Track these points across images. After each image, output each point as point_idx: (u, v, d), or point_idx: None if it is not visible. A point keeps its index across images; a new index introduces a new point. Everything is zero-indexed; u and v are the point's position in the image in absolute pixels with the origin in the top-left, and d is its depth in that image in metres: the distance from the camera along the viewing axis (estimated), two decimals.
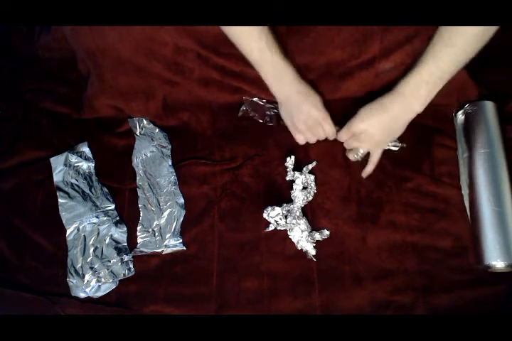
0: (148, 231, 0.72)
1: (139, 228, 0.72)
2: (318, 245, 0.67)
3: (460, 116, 0.74)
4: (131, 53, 0.73)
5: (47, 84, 0.85)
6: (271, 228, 0.68)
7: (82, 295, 0.68)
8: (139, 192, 0.75)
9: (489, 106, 0.72)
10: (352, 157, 0.70)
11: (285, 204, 0.69)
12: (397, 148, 0.72)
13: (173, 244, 0.70)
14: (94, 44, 0.72)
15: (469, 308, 0.62)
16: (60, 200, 0.74)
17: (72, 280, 0.68)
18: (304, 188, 0.70)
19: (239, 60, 0.70)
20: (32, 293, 0.67)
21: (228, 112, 0.79)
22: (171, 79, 0.76)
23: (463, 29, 0.56)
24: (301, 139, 0.70)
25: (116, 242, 0.71)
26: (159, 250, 0.70)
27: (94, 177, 0.77)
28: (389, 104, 0.63)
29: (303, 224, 0.67)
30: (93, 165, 0.78)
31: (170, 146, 0.78)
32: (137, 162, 0.77)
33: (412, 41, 0.68)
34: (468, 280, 0.64)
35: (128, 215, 0.74)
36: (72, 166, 0.77)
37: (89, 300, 0.68)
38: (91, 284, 0.68)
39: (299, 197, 0.69)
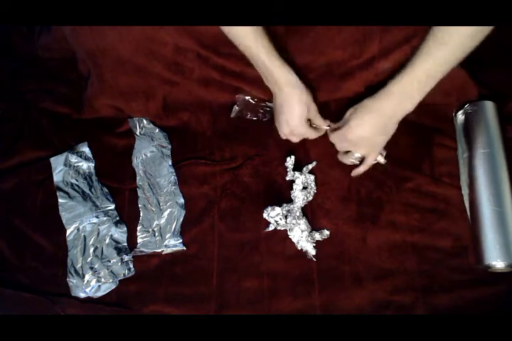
0: (148, 231, 0.72)
1: (138, 228, 0.72)
2: (318, 245, 0.67)
3: (460, 116, 0.74)
4: (131, 53, 0.73)
5: (47, 84, 0.85)
6: (271, 228, 0.68)
7: (82, 295, 0.68)
8: (139, 192, 0.75)
9: (489, 106, 0.72)
10: (348, 161, 0.69)
11: (285, 204, 0.69)
12: (384, 162, 0.70)
13: (173, 244, 0.70)
14: (94, 44, 0.73)
15: (469, 308, 0.62)
16: (60, 200, 0.74)
17: (72, 280, 0.68)
18: (304, 188, 0.70)
19: (239, 60, 0.70)
20: (32, 293, 0.67)
21: (228, 112, 0.79)
22: (171, 79, 0.76)
23: (456, 28, 0.55)
24: (293, 139, 0.70)
25: (116, 242, 0.71)
26: (159, 250, 0.70)
27: (94, 177, 0.77)
28: (380, 105, 0.62)
29: (303, 224, 0.67)
30: (93, 165, 0.78)
31: (170, 146, 0.78)
32: (137, 162, 0.77)
33: (411, 41, 0.67)
34: (468, 280, 0.64)
35: (128, 215, 0.74)
36: (72, 166, 0.77)
37: (89, 300, 0.68)
38: (91, 284, 0.68)
39: (299, 197, 0.69)
